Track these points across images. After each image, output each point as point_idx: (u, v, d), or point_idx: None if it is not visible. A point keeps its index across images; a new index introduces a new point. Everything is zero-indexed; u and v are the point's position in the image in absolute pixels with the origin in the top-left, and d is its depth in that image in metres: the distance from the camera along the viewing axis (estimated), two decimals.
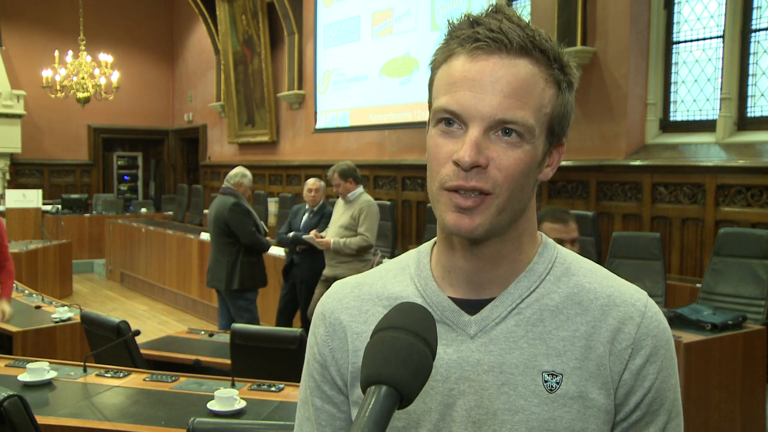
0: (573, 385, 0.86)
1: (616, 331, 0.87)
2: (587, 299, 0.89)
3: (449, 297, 0.91)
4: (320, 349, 0.96)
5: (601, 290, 0.90)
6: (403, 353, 0.72)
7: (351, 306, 0.96)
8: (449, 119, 0.84)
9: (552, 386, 0.86)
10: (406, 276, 0.96)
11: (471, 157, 0.81)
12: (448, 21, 0.88)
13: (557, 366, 0.86)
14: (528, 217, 0.91)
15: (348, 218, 5.06)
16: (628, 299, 0.89)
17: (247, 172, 5.44)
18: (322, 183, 5.68)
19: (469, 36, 0.84)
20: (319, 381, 0.96)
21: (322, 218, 5.54)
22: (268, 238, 5.60)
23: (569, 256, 0.95)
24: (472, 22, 0.85)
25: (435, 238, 0.97)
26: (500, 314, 0.89)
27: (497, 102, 0.82)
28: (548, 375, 0.86)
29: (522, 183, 0.85)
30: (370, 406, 0.69)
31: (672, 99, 6.12)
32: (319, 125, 9.80)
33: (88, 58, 10.77)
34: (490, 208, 0.84)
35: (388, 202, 7.52)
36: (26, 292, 5.41)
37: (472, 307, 0.90)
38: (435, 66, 0.89)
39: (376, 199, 5.78)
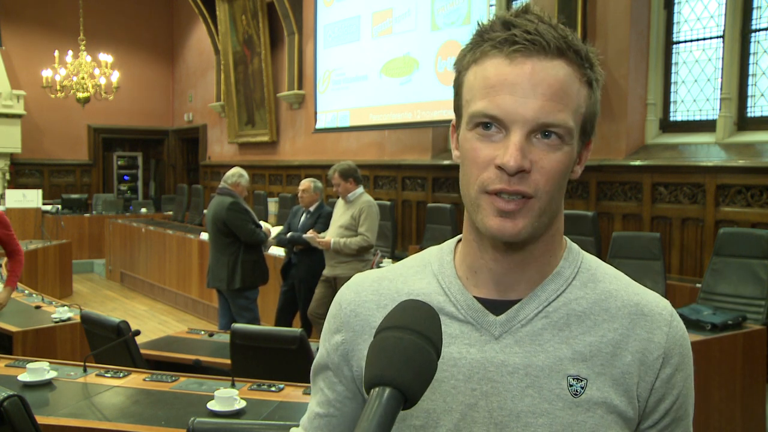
0: (597, 390, 0.86)
1: (647, 342, 0.88)
2: (614, 306, 0.89)
3: (474, 297, 0.91)
4: (329, 337, 0.97)
5: (628, 298, 0.90)
6: (406, 354, 0.72)
7: (369, 300, 0.96)
8: (487, 123, 0.84)
9: (577, 390, 0.85)
10: (428, 273, 0.95)
11: (517, 162, 0.81)
12: (478, 23, 0.88)
13: (582, 371, 0.86)
14: (560, 218, 0.92)
15: (348, 218, 5.06)
16: (654, 308, 0.90)
17: (244, 173, 5.44)
18: (314, 183, 5.60)
19: (506, 39, 0.83)
20: (323, 368, 0.98)
21: (319, 218, 5.53)
22: (265, 226, 5.58)
23: (593, 261, 0.95)
24: (505, 24, 0.85)
25: (458, 237, 0.96)
26: (527, 316, 0.88)
27: (539, 105, 0.82)
28: (573, 379, 0.86)
29: (561, 184, 0.86)
30: (374, 409, 0.69)
31: (672, 99, 6.12)
32: (319, 125, 9.80)
33: (88, 58, 10.77)
34: (532, 211, 0.84)
35: (388, 202, 7.52)
36: (26, 292, 5.40)
37: (497, 307, 0.89)
38: (464, 67, 0.88)
39: (376, 199, 5.78)
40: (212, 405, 2.60)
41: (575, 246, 0.95)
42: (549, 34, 0.83)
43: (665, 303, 0.91)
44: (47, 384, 2.92)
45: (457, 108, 0.90)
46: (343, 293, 0.99)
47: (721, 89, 5.67)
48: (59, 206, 11.26)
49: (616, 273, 0.94)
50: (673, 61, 6.09)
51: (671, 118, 6.14)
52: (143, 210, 12.02)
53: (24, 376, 2.92)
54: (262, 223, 5.58)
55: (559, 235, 0.92)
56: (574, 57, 0.84)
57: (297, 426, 1.02)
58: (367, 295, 0.96)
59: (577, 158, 0.90)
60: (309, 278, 5.47)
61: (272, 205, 9.47)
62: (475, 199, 0.85)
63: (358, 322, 0.95)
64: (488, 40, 0.85)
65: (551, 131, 0.83)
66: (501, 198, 0.83)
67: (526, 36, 0.82)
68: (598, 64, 0.88)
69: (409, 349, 0.72)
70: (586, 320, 0.88)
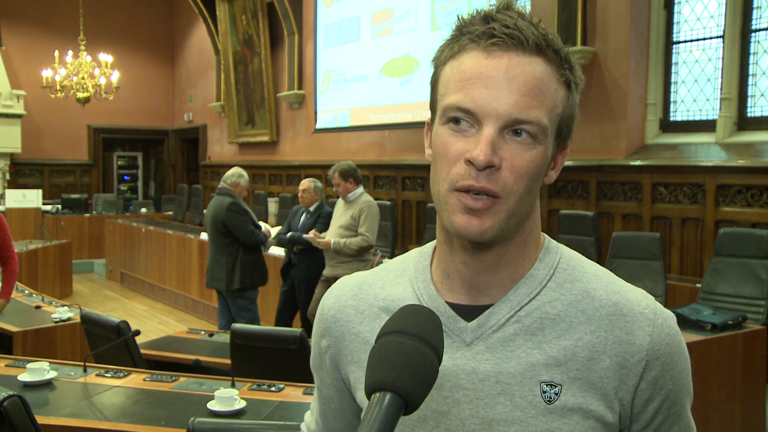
0: (572, 396, 0.83)
1: (627, 344, 0.84)
2: (592, 307, 0.86)
3: (447, 302, 0.89)
4: (318, 341, 0.99)
5: (607, 298, 0.86)
6: (407, 359, 0.71)
7: (348, 305, 0.96)
8: (459, 118, 0.81)
9: (550, 397, 0.83)
10: (405, 278, 0.94)
11: (486, 156, 0.78)
12: (458, 17, 0.86)
13: (556, 376, 0.83)
14: (534, 220, 0.88)
15: (348, 218, 5.06)
16: (635, 307, 0.86)
17: (244, 173, 5.43)
18: (315, 183, 5.59)
19: (484, 32, 0.81)
20: (317, 368, 1.00)
21: (319, 218, 5.52)
22: (264, 227, 5.57)
23: (572, 260, 0.91)
24: (485, 17, 0.83)
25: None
26: (498, 321, 0.86)
27: (513, 100, 0.79)
28: (547, 385, 0.83)
29: (531, 185, 0.83)
30: (375, 415, 0.68)
31: (672, 99, 6.12)
32: (319, 125, 9.80)
33: (88, 58, 10.77)
34: (500, 212, 0.81)
35: (388, 202, 7.52)
36: (26, 292, 5.41)
37: (469, 313, 0.87)
38: (441, 62, 0.86)
39: (376, 199, 5.78)
40: (212, 405, 2.60)
41: (553, 244, 0.92)
42: (528, 30, 0.81)
43: (648, 301, 0.87)
44: (47, 384, 2.92)
45: (433, 104, 0.88)
46: (326, 298, 0.99)
47: (721, 89, 5.67)
48: (59, 206, 11.27)
49: (597, 271, 0.90)
50: (673, 61, 6.09)
51: (671, 118, 6.14)
52: (143, 210, 12.03)
53: (24, 376, 2.92)
54: (261, 223, 5.58)
55: (533, 237, 0.89)
56: (553, 56, 0.82)
57: (306, 414, 1.08)
58: (347, 301, 0.97)
59: (552, 162, 0.87)
60: (309, 278, 5.46)
61: (272, 205, 9.47)
62: (443, 196, 0.83)
63: (339, 328, 0.96)
64: (467, 34, 0.83)
65: (522, 129, 0.80)
66: (469, 195, 0.80)
67: (504, 30, 0.80)
68: (578, 68, 0.86)
69: (410, 354, 0.71)
70: (560, 323, 0.85)
